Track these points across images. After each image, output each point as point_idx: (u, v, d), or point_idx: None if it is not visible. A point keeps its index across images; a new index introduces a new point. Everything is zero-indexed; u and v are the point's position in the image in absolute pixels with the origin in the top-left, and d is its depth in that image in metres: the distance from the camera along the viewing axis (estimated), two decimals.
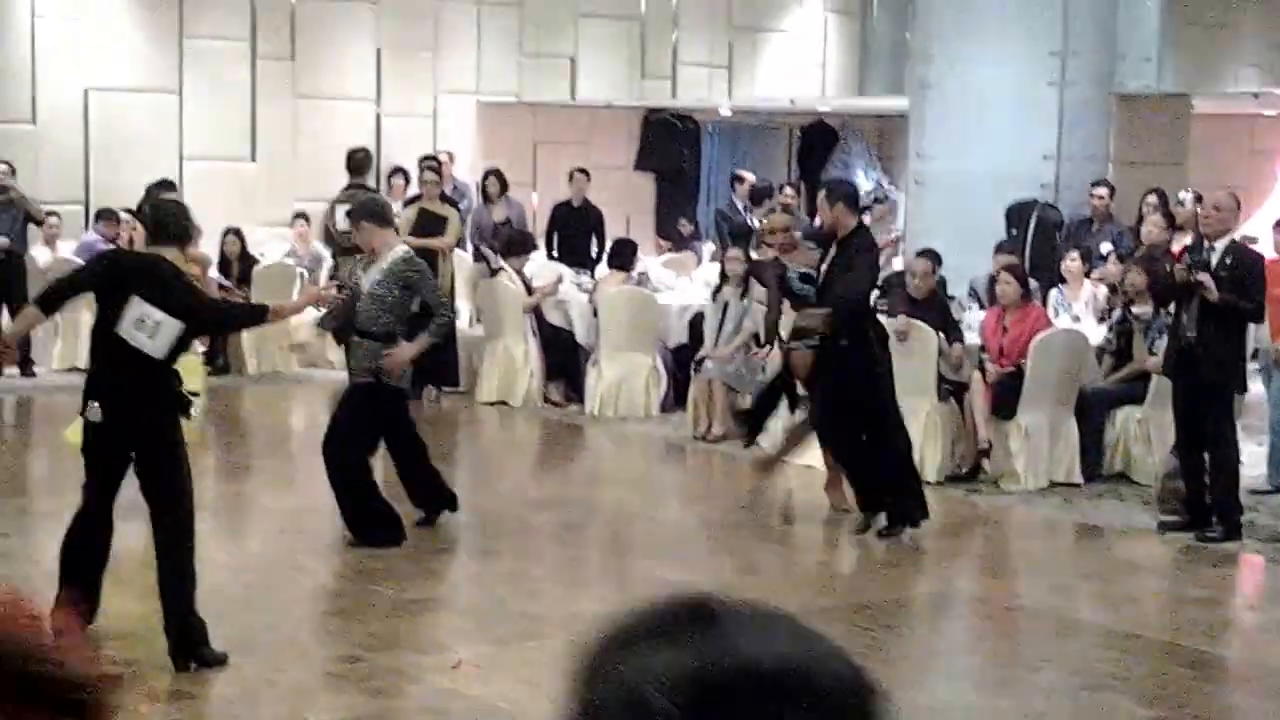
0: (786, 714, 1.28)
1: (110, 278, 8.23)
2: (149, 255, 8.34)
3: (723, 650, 1.29)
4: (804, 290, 11.45)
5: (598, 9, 22.95)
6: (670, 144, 23.26)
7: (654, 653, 1.31)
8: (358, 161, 18.41)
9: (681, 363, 15.65)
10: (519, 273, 16.35)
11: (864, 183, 22.57)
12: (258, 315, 9.51)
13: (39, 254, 17.61)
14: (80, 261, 17.16)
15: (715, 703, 1.27)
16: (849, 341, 10.84)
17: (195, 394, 8.81)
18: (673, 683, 1.28)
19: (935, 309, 13.29)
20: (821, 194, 11.51)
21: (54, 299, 8.49)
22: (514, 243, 16.75)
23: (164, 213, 8.58)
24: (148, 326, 7.98)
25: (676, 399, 15.65)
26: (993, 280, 13.87)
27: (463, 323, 17.11)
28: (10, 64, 19.10)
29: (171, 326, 8.03)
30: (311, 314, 13.01)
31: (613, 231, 18.58)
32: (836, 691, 1.31)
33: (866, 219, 18.62)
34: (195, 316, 8.27)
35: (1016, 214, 15.67)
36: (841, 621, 9.39)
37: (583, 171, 18.60)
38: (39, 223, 17.23)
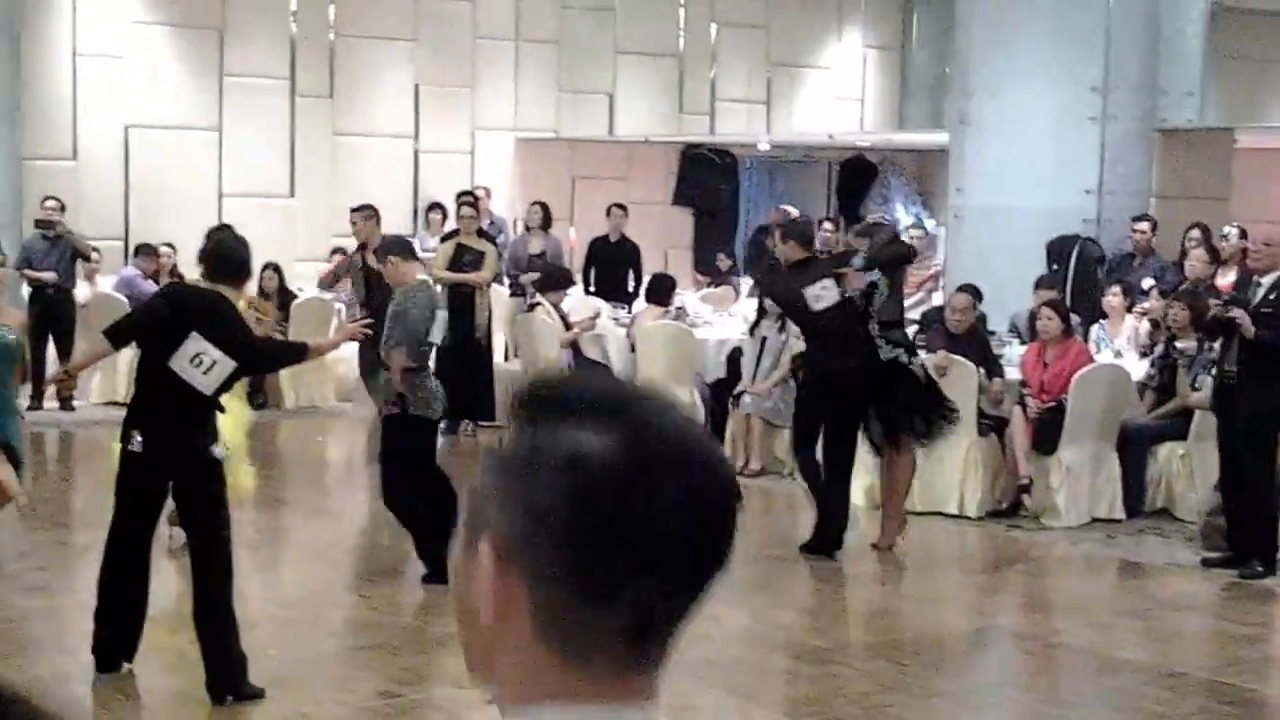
0: (675, 495, 1.50)
1: (173, 313, 8.16)
2: (210, 292, 8.23)
3: (640, 433, 1.51)
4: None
5: (636, 45, 22.99)
6: (708, 179, 23.26)
7: (584, 421, 1.51)
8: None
9: (720, 397, 15.58)
10: (556, 307, 16.32)
11: (904, 216, 22.53)
12: (299, 353, 9.46)
13: (79, 289, 17.67)
14: (120, 297, 17.28)
15: (626, 481, 1.49)
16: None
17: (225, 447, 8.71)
18: (598, 456, 1.49)
19: (975, 344, 13.22)
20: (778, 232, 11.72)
21: (123, 334, 8.43)
22: (552, 278, 16.73)
23: (225, 249, 8.46)
24: (204, 364, 7.93)
25: (714, 433, 15.58)
26: (1033, 315, 13.79)
27: (499, 357, 17.10)
28: (52, 101, 19.22)
29: (226, 365, 8.00)
30: (350, 349, 12.99)
31: (650, 266, 18.57)
32: (719, 489, 1.55)
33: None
34: (247, 356, 8.24)
35: (1058, 249, 15.59)
36: (882, 657, 9.31)
37: (620, 207, 18.59)
38: (86, 258, 17.30)
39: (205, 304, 8.18)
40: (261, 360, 9.15)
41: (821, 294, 11.35)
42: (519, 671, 1.54)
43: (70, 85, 19.38)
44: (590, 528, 1.48)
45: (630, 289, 17.69)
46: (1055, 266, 15.47)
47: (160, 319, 8.15)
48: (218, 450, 8.12)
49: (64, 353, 17.16)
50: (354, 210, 15.40)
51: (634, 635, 1.53)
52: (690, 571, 1.54)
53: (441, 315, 10.60)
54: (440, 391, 10.45)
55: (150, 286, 17.27)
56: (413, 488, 10.34)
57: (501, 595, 1.52)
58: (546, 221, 18.17)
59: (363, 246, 14.85)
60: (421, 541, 10.29)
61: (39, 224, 17.06)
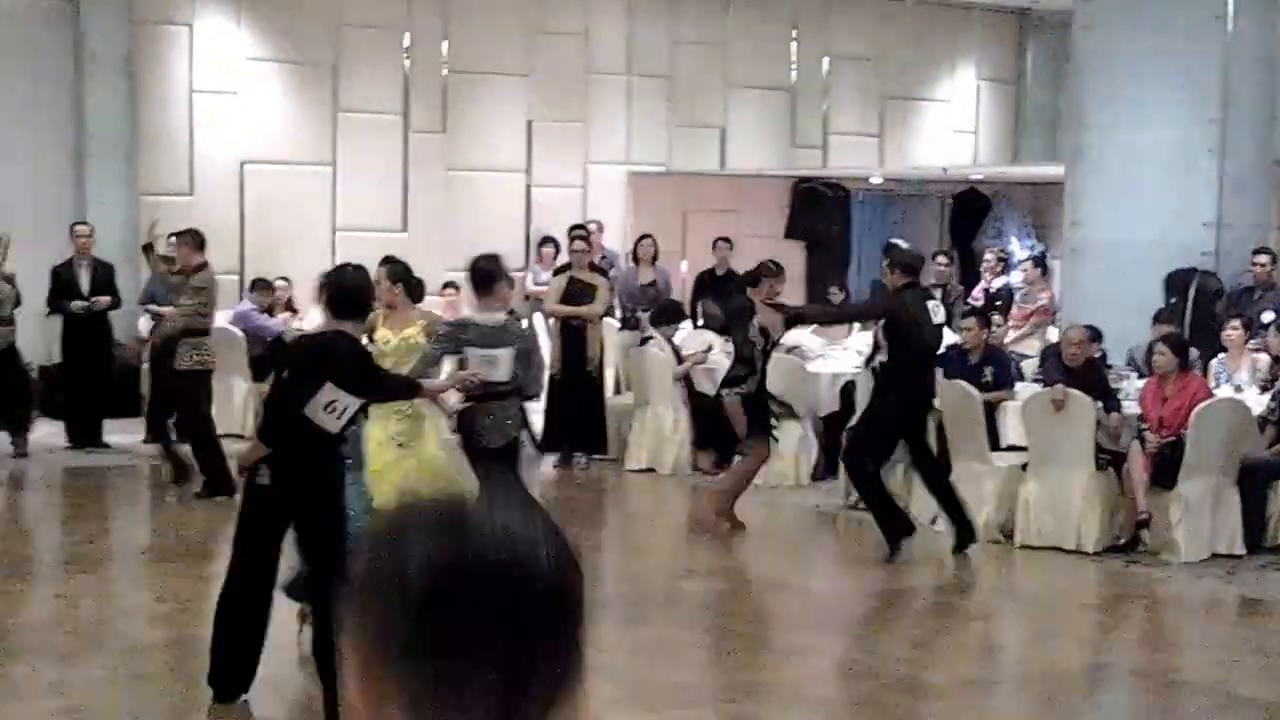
0: (489, 590, 1.65)
1: (317, 368, 8.17)
2: (332, 336, 8.20)
3: (466, 543, 1.67)
4: None
5: (747, 79, 23.00)
6: (820, 212, 23.21)
7: (417, 544, 1.68)
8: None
9: (833, 431, 15.52)
10: (669, 341, 16.33)
11: (1018, 250, 22.37)
12: (413, 389, 9.48)
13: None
14: (237, 331, 17.43)
15: (453, 581, 1.65)
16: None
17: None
18: (421, 568, 1.66)
19: (1092, 378, 13.10)
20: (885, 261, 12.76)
21: (274, 427, 8.27)
22: (664, 311, 16.77)
23: (348, 286, 8.35)
24: (337, 409, 7.98)
25: (828, 467, 15.53)
26: (1151, 349, 13.65)
27: (610, 390, 17.14)
28: (169, 137, 19.47)
29: (353, 406, 8.06)
30: None
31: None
32: (552, 577, 1.70)
33: (1018, 277, 18.57)
34: (370, 391, 8.28)
35: (1176, 282, 15.43)
36: (1000, 694, 9.24)
37: (725, 240, 18.62)
38: None
39: (330, 350, 8.19)
40: (381, 392, 9.09)
41: (938, 310, 12.16)
42: None
43: (187, 121, 19.63)
44: (422, 631, 1.66)
45: None
46: (1174, 300, 15.31)
47: (310, 381, 8.10)
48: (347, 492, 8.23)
49: None
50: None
51: (505, 686, 1.68)
52: (525, 656, 1.69)
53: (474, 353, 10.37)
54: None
55: (265, 320, 17.44)
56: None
57: (371, 692, 1.69)
58: (655, 254, 18.25)
59: None
60: None
61: (165, 260, 17.24)
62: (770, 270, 13.36)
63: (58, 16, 18.91)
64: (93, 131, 18.87)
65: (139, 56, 19.16)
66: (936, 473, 12.76)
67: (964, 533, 12.51)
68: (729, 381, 13.25)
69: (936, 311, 12.41)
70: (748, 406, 13.14)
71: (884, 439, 12.71)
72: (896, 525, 12.41)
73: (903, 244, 19.91)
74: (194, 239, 14.70)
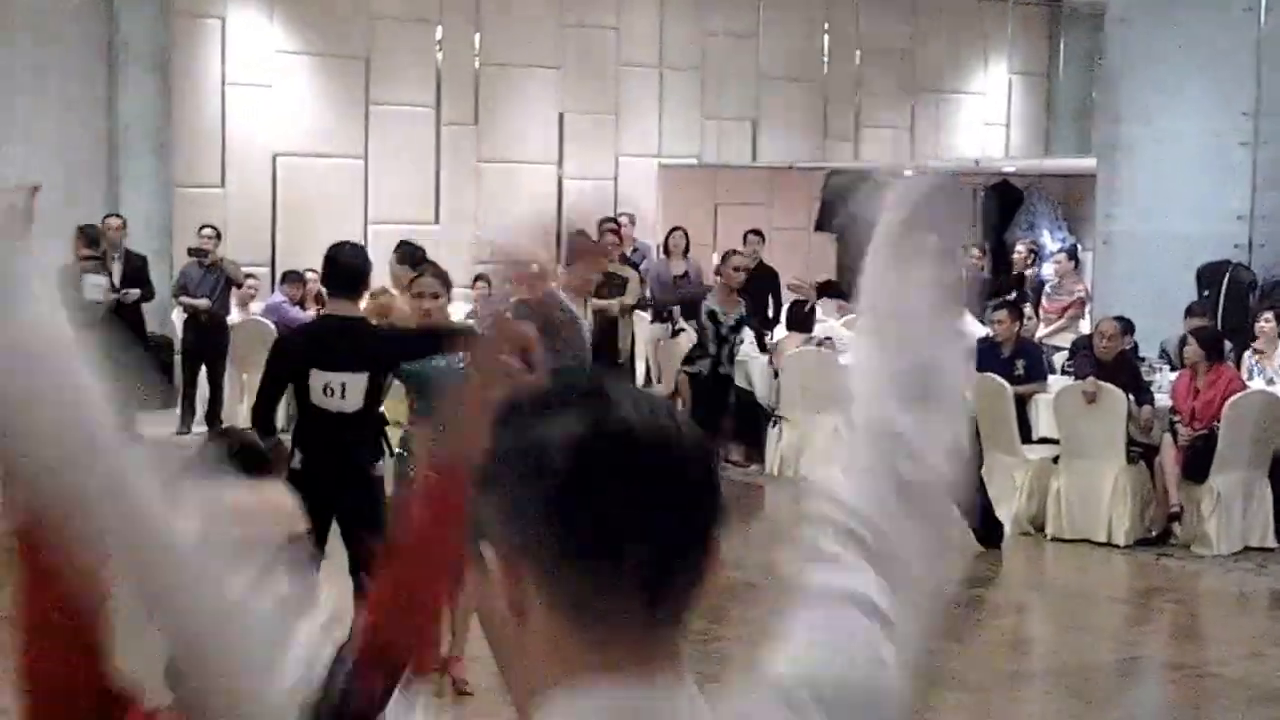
0: (646, 464, 1.61)
1: (291, 359, 8.30)
2: (320, 322, 8.36)
3: (601, 415, 1.62)
4: None
5: (779, 71, 22.98)
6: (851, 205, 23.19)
7: (551, 415, 1.62)
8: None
9: None
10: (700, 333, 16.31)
11: (1050, 243, 22.32)
12: (438, 339, 9.37)
13: (232, 315, 17.96)
14: (269, 323, 17.48)
15: (594, 455, 1.60)
16: None
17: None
18: (560, 438, 1.60)
19: (1124, 371, 13.07)
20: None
21: (269, 418, 8.43)
22: (696, 303, 16.74)
23: (341, 263, 8.47)
24: (334, 390, 8.04)
25: None
26: (1184, 342, 13.60)
27: (640, 381, 17.13)
28: (202, 129, 19.53)
29: (357, 381, 8.07)
30: None
31: (791, 293, 18.46)
32: (683, 448, 1.66)
33: (1049, 270, 18.56)
34: (375, 363, 8.27)
35: (1208, 275, 15.37)
36: (1030, 686, 9.22)
37: (757, 233, 18.59)
38: (239, 285, 17.53)
39: (315, 335, 8.30)
40: (391, 358, 8.95)
41: None
42: (543, 665, 1.62)
43: (220, 114, 19.69)
44: (569, 508, 1.59)
45: (770, 315, 17.65)
46: (1206, 293, 15.25)
47: (280, 376, 8.37)
48: (380, 467, 8.19)
49: (216, 379, 17.40)
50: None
51: (643, 603, 1.62)
52: (679, 533, 1.65)
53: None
54: None
55: (297, 312, 17.47)
56: None
57: (514, 595, 1.61)
58: (686, 247, 18.24)
59: None
60: None
61: (192, 252, 17.32)
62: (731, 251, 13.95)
63: (92, 10, 18.97)
64: (126, 124, 18.93)
65: (173, 50, 19.21)
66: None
67: (991, 532, 12.41)
68: (685, 360, 14.08)
69: None
70: (697, 388, 13.52)
71: None
72: None
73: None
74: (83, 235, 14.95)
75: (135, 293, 16.68)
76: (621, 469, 1.60)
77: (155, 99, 19.06)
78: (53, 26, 18.76)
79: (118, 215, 17.30)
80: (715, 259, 20.95)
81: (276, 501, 2.73)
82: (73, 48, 18.88)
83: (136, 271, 16.84)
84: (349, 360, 8.11)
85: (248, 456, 2.72)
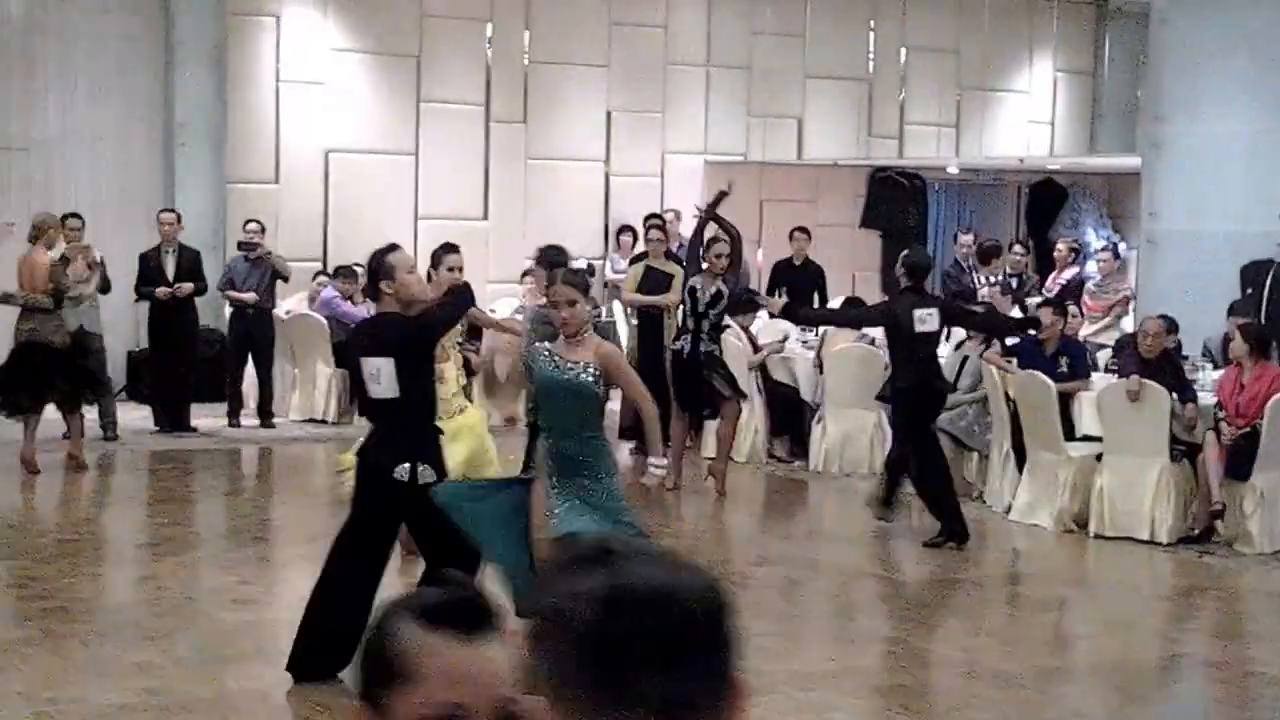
0: (662, 619, 1.82)
1: (348, 356, 8.70)
2: (371, 319, 8.80)
3: (615, 573, 1.84)
4: None
5: (825, 69, 23.07)
6: (896, 202, 23.26)
7: (572, 577, 1.86)
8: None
9: None
10: (745, 330, 16.43)
11: (1094, 240, 22.36)
12: (462, 304, 9.52)
13: (281, 306, 18.15)
14: (320, 318, 17.70)
15: (612, 611, 1.81)
16: None
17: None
18: (587, 598, 1.82)
19: (1168, 369, 13.13)
20: None
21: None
22: (741, 301, 16.84)
23: (373, 267, 8.77)
24: (377, 377, 8.37)
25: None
26: (1226, 340, 13.66)
27: None
28: (255, 126, 19.73)
29: (383, 365, 8.33)
30: None
31: (838, 289, 18.60)
32: (697, 602, 1.88)
33: (1091, 267, 18.61)
34: (402, 349, 8.47)
35: (1252, 273, 15.41)
36: (1073, 683, 9.31)
37: (803, 230, 18.67)
38: (285, 279, 17.70)
39: (361, 330, 8.66)
40: (420, 339, 8.75)
41: (926, 319, 12.51)
42: None
43: (273, 111, 19.88)
44: (593, 663, 1.82)
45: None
46: (1249, 291, 15.29)
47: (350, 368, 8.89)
48: (425, 473, 8.37)
49: (264, 372, 17.59)
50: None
51: None
52: (694, 680, 1.85)
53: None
54: None
55: (348, 307, 17.66)
56: None
57: None
58: None
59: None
60: None
61: (241, 246, 17.52)
62: (716, 238, 14.43)
63: (149, 7, 19.19)
64: (182, 120, 19.14)
65: (228, 47, 19.42)
66: (931, 474, 12.76)
67: (955, 530, 12.51)
68: (673, 339, 14.41)
69: (924, 321, 12.53)
70: (678, 365, 13.98)
71: (908, 438, 12.99)
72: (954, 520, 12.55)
73: (968, 237, 19.97)
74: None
75: (189, 287, 16.88)
76: (635, 628, 1.82)
77: (210, 96, 19.27)
78: (112, 23, 19.00)
79: (172, 210, 17.49)
80: (759, 256, 21.12)
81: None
82: (130, 45, 19.12)
83: (191, 266, 17.04)
84: (379, 347, 8.42)
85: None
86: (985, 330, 14.56)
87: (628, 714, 1.80)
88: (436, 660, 2.15)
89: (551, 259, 11.37)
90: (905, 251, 13.69)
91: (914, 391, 12.61)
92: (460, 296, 9.33)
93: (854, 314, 15.50)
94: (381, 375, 8.35)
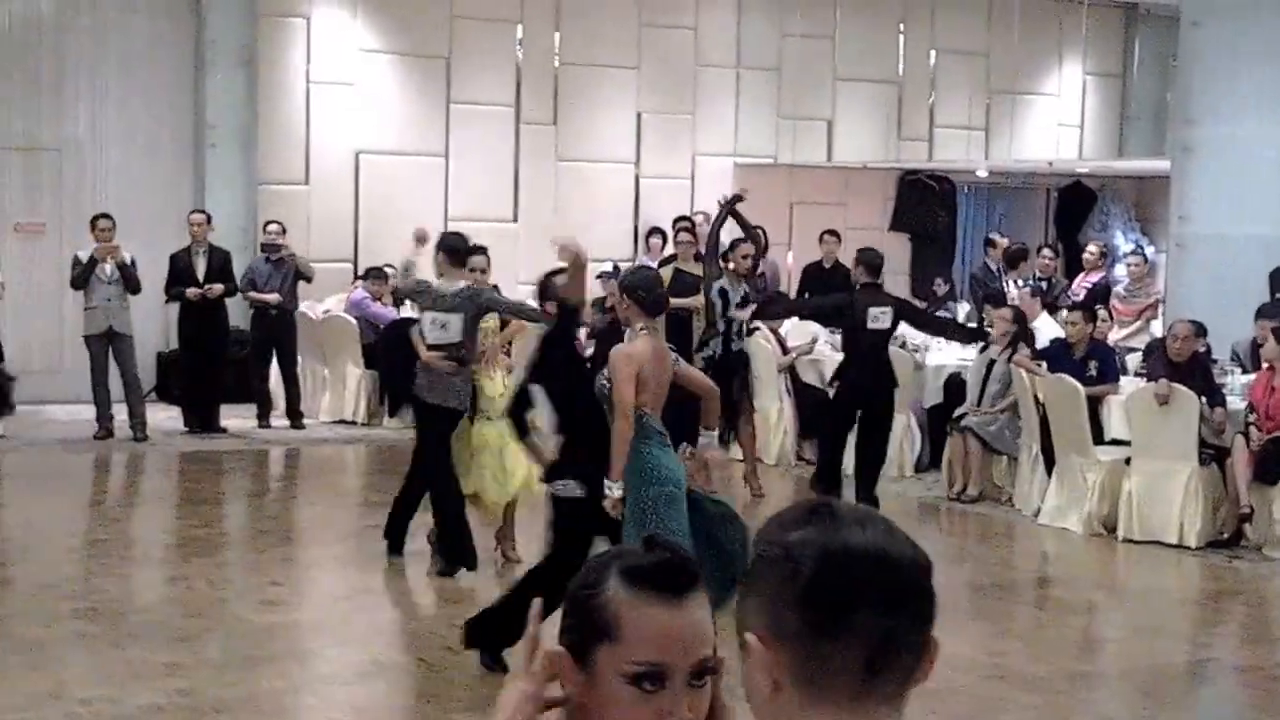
0: (873, 574, 1.99)
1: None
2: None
3: (837, 530, 2.00)
4: None
5: (855, 72, 23.07)
6: (925, 205, 23.24)
7: (796, 530, 2.02)
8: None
9: (937, 423, 15.59)
10: (775, 332, 16.44)
11: (1123, 244, 22.32)
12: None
13: (312, 308, 18.21)
14: (350, 319, 17.71)
15: (834, 563, 1.98)
16: None
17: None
18: (808, 548, 1.99)
19: (1197, 373, 13.11)
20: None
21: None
22: (771, 303, 16.86)
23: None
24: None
25: (931, 459, 15.62)
26: (1255, 344, 13.63)
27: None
28: (286, 127, 19.78)
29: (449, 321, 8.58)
30: None
31: None
32: (904, 563, 2.04)
33: (1120, 270, 18.59)
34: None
35: None
36: (1101, 687, 9.30)
37: (832, 233, 18.68)
38: (308, 279, 17.73)
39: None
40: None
41: (880, 316, 13.12)
42: None
43: (304, 112, 19.94)
44: (813, 607, 1.98)
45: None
46: (1278, 295, 15.26)
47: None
48: (561, 487, 8.45)
49: (288, 372, 17.63)
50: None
51: (868, 668, 2.00)
52: (900, 632, 2.03)
53: (428, 316, 11.09)
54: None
55: (379, 308, 17.71)
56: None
57: (772, 673, 2.01)
58: (765, 246, 18.33)
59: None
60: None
61: (264, 248, 17.57)
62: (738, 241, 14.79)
63: (180, 8, 19.27)
64: (212, 121, 19.21)
65: (258, 48, 19.47)
66: (867, 471, 13.48)
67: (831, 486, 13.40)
68: (697, 348, 14.47)
69: (877, 319, 13.13)
70: (715, 370, 13.66)
71: (830, 427, 13.91)
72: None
73: (1002, 239, 19.94)
74: None
75: (219, 288, 16.93)
76: (853, 580, 1.98)
77: (240, 97, 19.34)
78: (143, 24, 19.08)
79: (202, 211, 17.55)
80: (789, 258, 21.13)
81: None
82: (160, 47, 19.19)
83: (221, 267, 17.09)
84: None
85: None
86: (936, 333, 15.28)
87: (841, 646, 1.97)
88: (644, 621, 2.26)
89: (449, 244, 11.40)
90: (861, 249, 14.05)
91: (859, 384, 13.23)
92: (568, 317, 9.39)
93: (813, 303, 15.94)
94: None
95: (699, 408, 9.28)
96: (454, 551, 10.99)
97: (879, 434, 13.59)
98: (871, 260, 13.42)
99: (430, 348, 10.92)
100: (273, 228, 17.66)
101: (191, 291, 16.83)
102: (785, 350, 16.34)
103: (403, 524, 11.52)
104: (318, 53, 19.96)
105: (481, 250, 11.41)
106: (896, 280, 22.51)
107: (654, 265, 17.39)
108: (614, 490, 8.33)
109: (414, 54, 20.43)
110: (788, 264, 20.84)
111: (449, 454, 10.87)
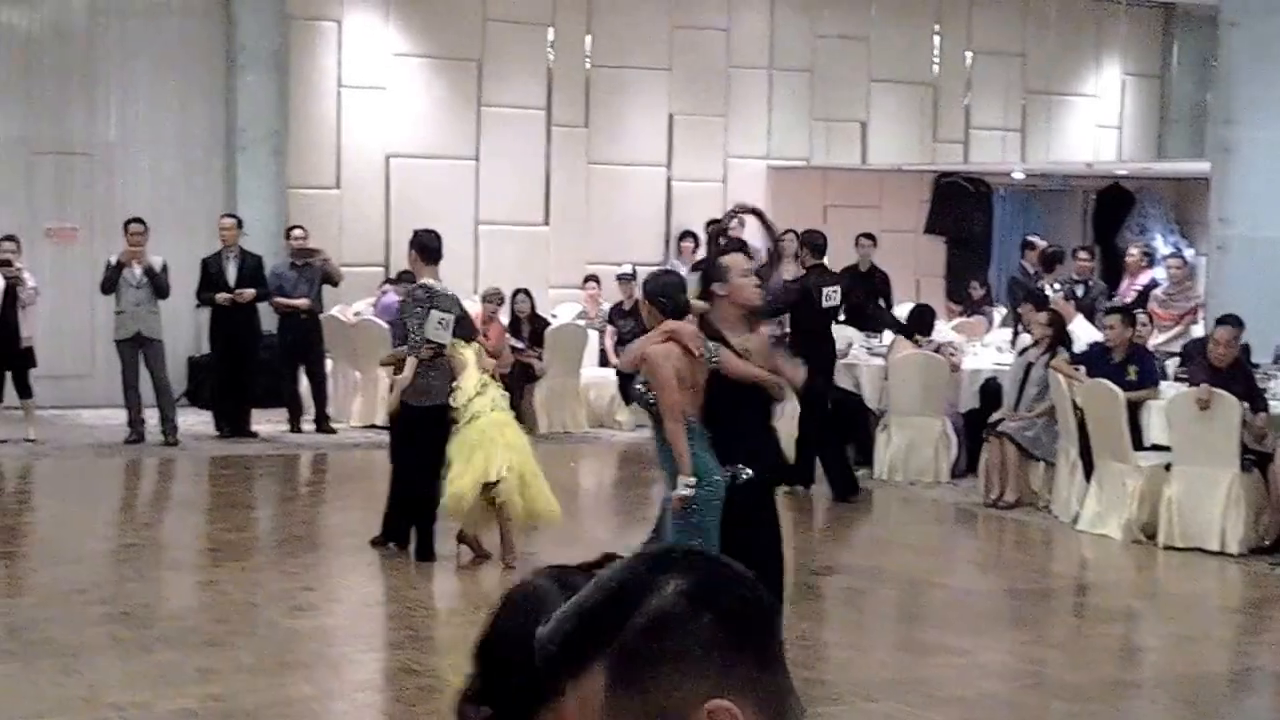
0: (754, 590, 1.85)
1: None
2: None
3: (690, 569, 1.83)
4: None
5: (889, 73, 22.95)
6: (961, 207, 23.11)
7: (666, 582, 1.80)
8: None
9: (973, 428, 15.46)
10: None
11: (1162, 246, 22.15)
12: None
13: (343, 312, 18.16)
14: (382, 323, 17.66)
15: (739, 590, 1.83)
16: None
17: None
18: (704, 588, 1.81)
19: (1238, 377, 12.96)
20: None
21: None
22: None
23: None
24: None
25: (968, 464, 15.49)
26: None
27: None
28: (317, 131, 19.76)
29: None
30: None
31: (902, 295, 18.45)
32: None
33: (1160, 273, 18.45)
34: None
35: None
36: (1140, 695, 9.19)
37: (868, 237, 18.56)
38: (335, 283, 17.69)
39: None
40: None
41: (831, 295, 13.99)
42: None
43: (335, 116, 19.91)
44: (743, 629, 1.82)
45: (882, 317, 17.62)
46: None
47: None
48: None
49: (316, 376, 17.59)
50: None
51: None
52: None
53: (434, 314, 11.25)
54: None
55: None
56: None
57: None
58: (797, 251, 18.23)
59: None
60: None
61: (297, 253, 17.50)
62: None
63: (212, 12, 19.25)
64: (243, 125, 19.19)
65: (290, 52, 19.46)
66: (822, 438, 14.35)
67: (846, 485, 14.49)
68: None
69: (829, 297, 14.10)
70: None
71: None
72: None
73: (1040, 242, 19.80)
74: None
75: (251, 292, 16.89)
76: (758, 599, 1.84)
77: (273, 100, 19.31)
78: (175, 28, 19.08)
79: (233, 215, 17.52)
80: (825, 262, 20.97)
81: None
82: (194, 49, 19.18)
83: (252, 271, 17.05)
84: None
85: None
86: (873, 321, 16.40)
87: (783, 671, 1.85)
88: None
89: (423, 243, 11.60)
90: (805, 230, 15.14)
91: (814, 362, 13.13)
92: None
93: (780, 302, 16.05)
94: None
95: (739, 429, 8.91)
96: (399, 528, 11.64)
97: (821, 409, 14.16)
98: (814, 241, 14.41)
99: (429, 345, 11.23)
100: (298, 233, 17.63)
101: (222, 296, 16.80)
102: None
103: (402, 524, 11.72)
104: (349, 56, 19.93)
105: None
106: (932, 284, 22.41)
107: (686, 269, 17.33)
108: (684, 487, 8.21)
109: (445, 57, 20.39)
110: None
111: (439, 454, 11.08)
